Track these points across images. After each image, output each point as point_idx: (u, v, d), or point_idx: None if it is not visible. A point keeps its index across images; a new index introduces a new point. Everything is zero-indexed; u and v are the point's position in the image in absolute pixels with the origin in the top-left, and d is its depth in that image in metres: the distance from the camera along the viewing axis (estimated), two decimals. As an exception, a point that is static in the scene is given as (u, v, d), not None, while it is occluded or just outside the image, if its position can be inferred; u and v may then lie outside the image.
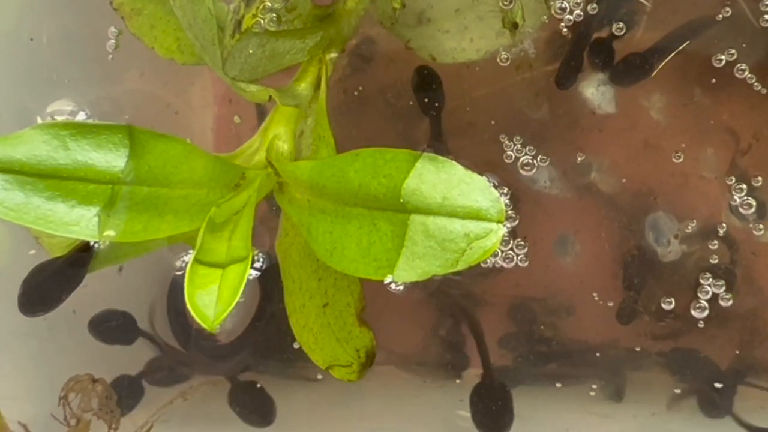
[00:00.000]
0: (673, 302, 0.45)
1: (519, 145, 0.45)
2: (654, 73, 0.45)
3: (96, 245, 0.41)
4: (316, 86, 0.43)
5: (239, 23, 0.38)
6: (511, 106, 0.48)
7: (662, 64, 0.44)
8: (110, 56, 0.45)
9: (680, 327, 0.46)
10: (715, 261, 0.45)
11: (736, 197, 0.44)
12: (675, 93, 0.46)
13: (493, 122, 0.47)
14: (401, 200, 0.35)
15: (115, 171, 0.35)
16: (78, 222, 0.35)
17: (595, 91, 0.47)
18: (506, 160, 0.46)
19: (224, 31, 0.37)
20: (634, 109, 0.47)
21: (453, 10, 0.47)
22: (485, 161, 0.46)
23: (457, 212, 0.35)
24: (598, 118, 0.47)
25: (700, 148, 0.46)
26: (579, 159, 0.46)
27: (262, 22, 0.38)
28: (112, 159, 0.35)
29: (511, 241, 0.45)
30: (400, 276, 0.35)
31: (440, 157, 0.35)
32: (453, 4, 0.47)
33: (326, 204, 0.37)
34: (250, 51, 0.38)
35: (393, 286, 0.43)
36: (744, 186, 0.44)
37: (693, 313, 0.45)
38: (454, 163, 0.35)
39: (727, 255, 0.45)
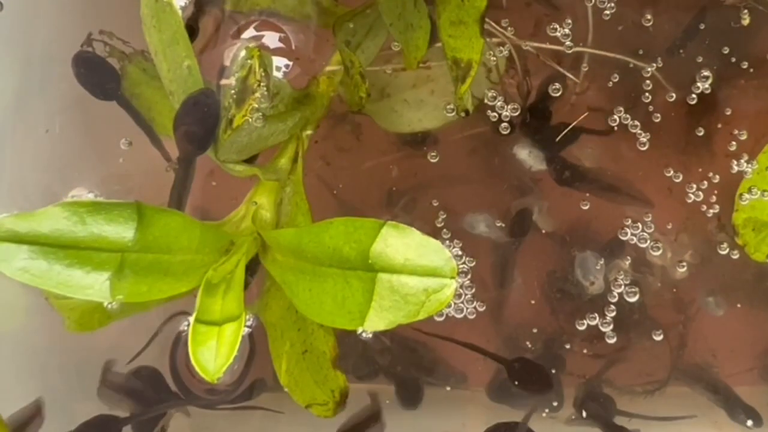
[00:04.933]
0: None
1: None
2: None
3: (108, 305, 0.46)
4: (294, 160, 0.49)
5: (231, 121, 0.44)
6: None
7: (563, 132, 0.52)
8: (121, 159, 0.52)
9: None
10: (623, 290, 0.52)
11: (629, 231, 0.52)
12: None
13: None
14: (369, 261, 0.40)
15: (125, 241, 0.40)
16: (92, 286, 0.40)
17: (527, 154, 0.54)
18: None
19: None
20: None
21: (410, 85, 0.53)
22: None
23: (417, 271, 0.39)
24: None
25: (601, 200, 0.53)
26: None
27: (250, 120, 0.44)
28: (122, 231, 0.40)
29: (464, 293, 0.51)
30: (371, 326, 0.40)
31: (401, 225, 0.40)
32: (410, 80, 0.53)
33: (305, 265, 0.42)
34: (240, 140, 0.44)
35: (363, 334, 0.49)
36: (639, 223, 0.52)
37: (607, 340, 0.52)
38: (414, 229, 0.40)
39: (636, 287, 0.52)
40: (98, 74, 0.51)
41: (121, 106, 0.51)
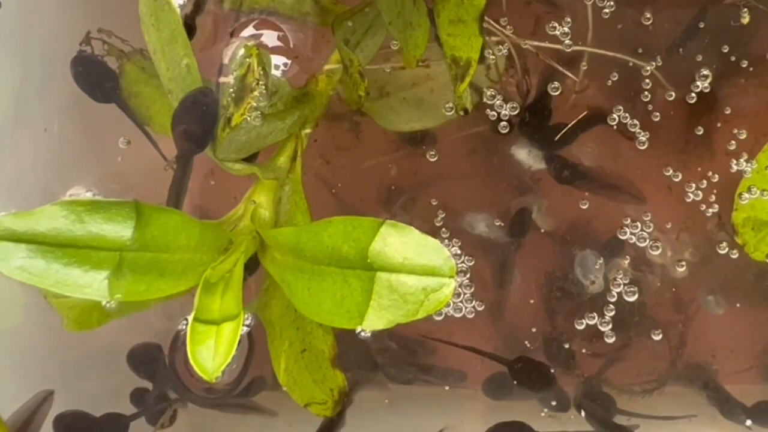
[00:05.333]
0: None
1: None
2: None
3: (107, 304, 0.46)
4: (293, 159, 0.49)
5: (229, 120, 0.44)
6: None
7: (563, 131, 0.52)
8: (119, 158, 0.52)
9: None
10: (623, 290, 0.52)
11: (628, 230, 0.52)
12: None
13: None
14: (368, 260, 0.40)
15: (123, 240, 0.40)
16: (90, 284, 0.40)
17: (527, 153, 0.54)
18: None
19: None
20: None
21: (410, 83, 0.53)
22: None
23: (416, 270, 0.40)
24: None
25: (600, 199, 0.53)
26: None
27: (249, 119, 0.44)
28: (120, 230, 0.40)
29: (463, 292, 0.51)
30: (370, 325, 0.40)
31: (400, 224, 0.40)
32: (409, 78, 0.53)
33: (304, 264, 0.42)
34: (239, 139, 0.44)
35: (362, 334, 0.49)
36: (638, 222, 0.52)
37: (606, 339, 0.52)
38: (412, 228, 0.40)
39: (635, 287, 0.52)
40: (96, 76, 0.51)
41: (119, 107, 0.51)
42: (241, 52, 0.46)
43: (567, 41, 0.52)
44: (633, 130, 0.52)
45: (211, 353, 0.39)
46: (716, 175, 0.52)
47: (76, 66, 0.51)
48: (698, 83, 0.52)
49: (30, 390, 0.49)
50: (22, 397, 0.49)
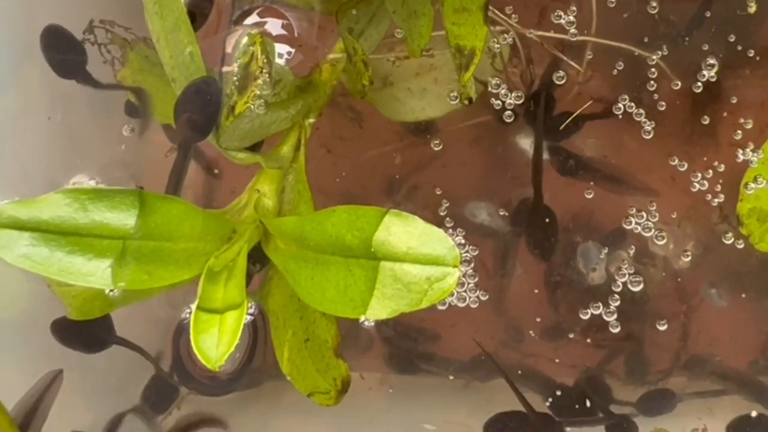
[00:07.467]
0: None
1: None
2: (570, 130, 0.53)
3: (111, 292, 0.46)
4: (297, 148, 0.49)
5: (233, 108, 0.43)
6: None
7: (567, 121, 0.52)
8: (123, 146, 0.52)
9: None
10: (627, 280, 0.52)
11: (633, 220, 0.52)
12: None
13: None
14: (372, 250, 0.40)
15: (127, 228, 0.40)
16: (94, 273, 0.40)
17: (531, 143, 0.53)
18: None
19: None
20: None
21: (414, 73, 0.53)
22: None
23: (420, 259, 0.40)
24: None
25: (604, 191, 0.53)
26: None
27: (252, 107, 0.44)
28: (124, 218, 0.40)
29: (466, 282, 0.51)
30: (373, 314, 0.40)
31: (404, 213, 0.40)
32: (413, 68, 0.53)
33: (307, 253, 0.42)
34: (242, 127, 0.44)
35: (366, 323, 0.49)
36: (643, 212, 0.52)
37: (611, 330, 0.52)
38: (416, 218, 0.40)
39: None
40: (64, 49, 0.50)
41: (81, 83, 0.50)
42: (245, 40, 0.46)
43: (572, 30, 0.51)
44: (638, 120, 0.52)
45: (215, 342, 0.39)
46: (722, 165, 0.52)
47: (46, 40, 0.50)
48: (704, 73, 0.51)
49: (34, 379, 0.49)
50: (25, 386, 0.49)
